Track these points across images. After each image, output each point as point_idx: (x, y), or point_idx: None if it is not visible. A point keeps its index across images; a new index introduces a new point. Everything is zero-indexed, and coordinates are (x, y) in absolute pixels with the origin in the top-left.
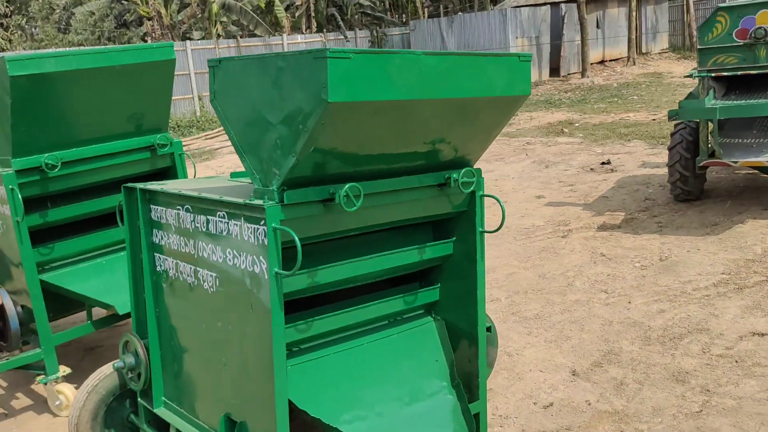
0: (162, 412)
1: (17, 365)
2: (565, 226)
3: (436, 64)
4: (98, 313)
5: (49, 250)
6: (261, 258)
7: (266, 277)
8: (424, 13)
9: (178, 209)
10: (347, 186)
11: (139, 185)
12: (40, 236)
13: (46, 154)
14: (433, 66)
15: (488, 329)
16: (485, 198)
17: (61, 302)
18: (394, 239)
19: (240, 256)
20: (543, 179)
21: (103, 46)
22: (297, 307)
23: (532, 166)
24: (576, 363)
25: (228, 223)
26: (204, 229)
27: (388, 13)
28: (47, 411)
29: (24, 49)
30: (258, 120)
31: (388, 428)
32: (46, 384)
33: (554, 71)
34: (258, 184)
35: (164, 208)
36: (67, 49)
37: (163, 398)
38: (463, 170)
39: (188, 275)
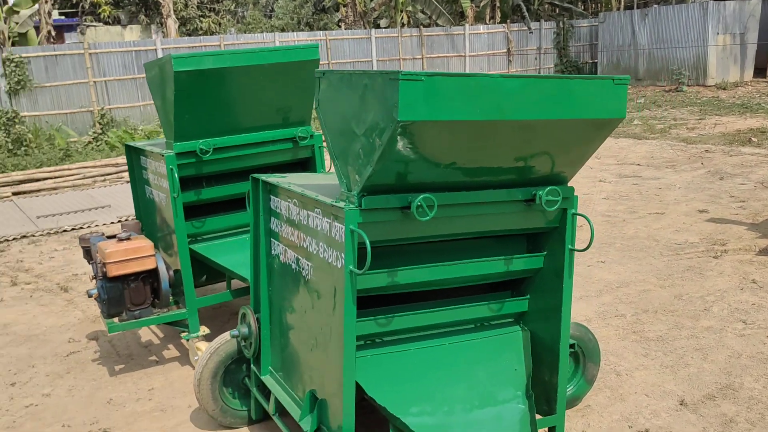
0: (266, 379)
1: (166, 321)
2: (721, 245)
3: (516, 87)
4: (237, 283)
5: (201, 223)
6: (342, 254)
7: (343, 272)
8: (619, 3)
9: (289, 202)
10: (421, 197)
11: (263, 177)
12: (195, 211)
13: (201, 140)
14: (512, 89)
15: (573, 346)
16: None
17: (209, 271)
18: (486, 247)
19: (329, 250)
20: (712, 192)
21: (258, 47)
22: (386, 301)
23: (704, 177)
24: (687, 393)
25: (322, 220)
26: (305, 223)
27: (579, 3)
28: (188, 363)
29: (234, 31)
30: (347, 130)
31: (451, 427)
32: (188, 340)
33: (759, 72)
34: (344, 187)
35: (280, 200)
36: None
37: (270, 367)
38: (548, 188)
39: (293, 261)
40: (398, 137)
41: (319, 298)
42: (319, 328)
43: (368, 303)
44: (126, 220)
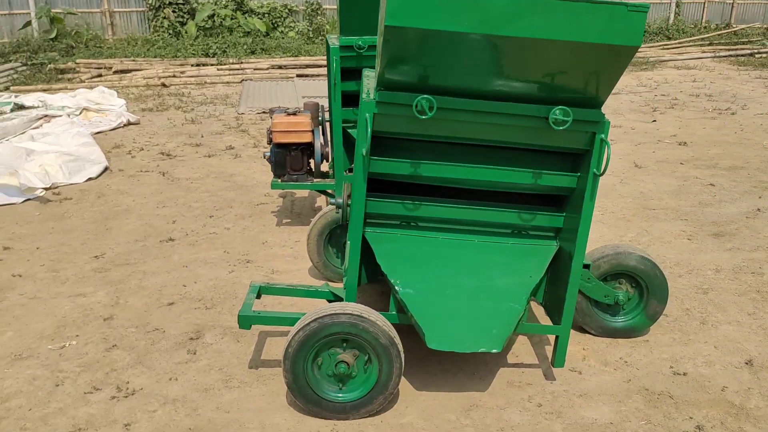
0: (347, 244)
1: (317, 188)
2: None
3: (510, 3)
4: None
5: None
6: None
7: None
8: None
9: None
10: (421, 97)
11: (366, 70)
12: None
13: (361, 37)
14: (506, 5)
15: (636, 279)
16: None
17: None
18: (528, 160)
19: None
20: None
21: None
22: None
23: None
24: (762, 356)
25: None
26: None
27: None
28: None
29: None
30: (378, 32)
31: (441, 308)
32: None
33: None
34: (374, 82)
35: None
36: None
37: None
38: (558, 108)
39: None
40: (389, 41)
41: None
42: None
43: (418, 191)
44: None
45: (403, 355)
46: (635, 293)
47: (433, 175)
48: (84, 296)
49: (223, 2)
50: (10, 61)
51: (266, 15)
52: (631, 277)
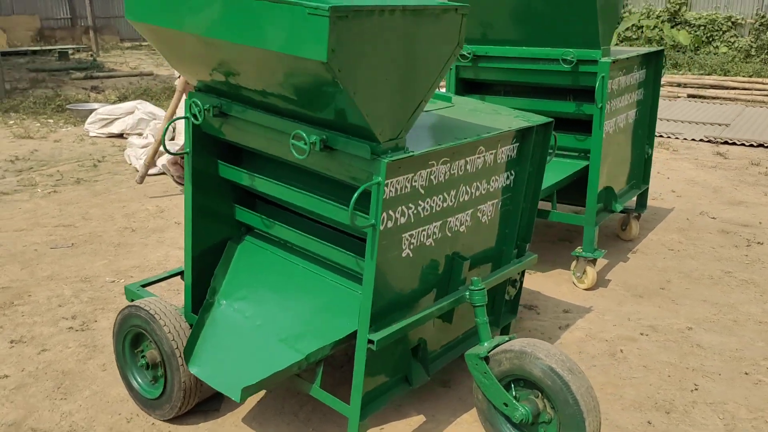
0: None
1: None
2: None
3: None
4: None
5: None
6: None
7: None
8: None
9: None
10: (192, 99)
11: None
12: None
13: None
14: (201, 4)
15: (540, 389)
16: None
17: None
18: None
19: None
20: None
21: None
22: None
23: None
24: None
25: None
26: None
27: None
28: None
29: None
30: None
31: (232, 333)
32: None
33: None
34: None
35: None
36: None
37: None
38: (297, 130)
39: None
40: (144, 36)
41: None
42: None
43: None
44: None
45: (186, 370)
46: (555, 415)
47: (264, 190)
48: (180, 249)
49: (657, 12)
50: None
51: (701, 27)
52: None
